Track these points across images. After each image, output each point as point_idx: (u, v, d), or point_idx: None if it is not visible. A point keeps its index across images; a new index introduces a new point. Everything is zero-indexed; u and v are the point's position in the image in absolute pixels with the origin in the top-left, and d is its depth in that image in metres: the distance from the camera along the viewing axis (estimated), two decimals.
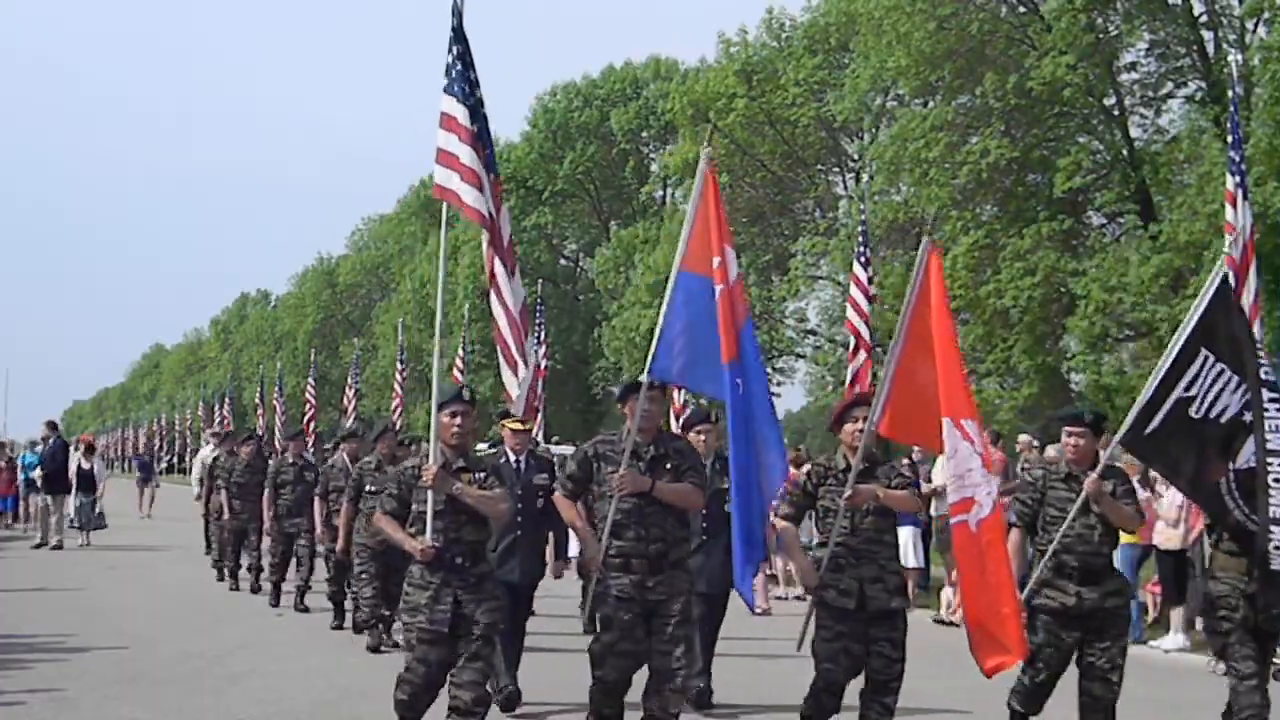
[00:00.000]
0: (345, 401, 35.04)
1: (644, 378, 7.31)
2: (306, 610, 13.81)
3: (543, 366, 23.78)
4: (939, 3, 24.87)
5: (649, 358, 7.38)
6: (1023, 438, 17.76)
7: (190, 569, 18.48)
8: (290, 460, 14.84)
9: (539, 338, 24.35)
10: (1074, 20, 23.11)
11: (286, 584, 14.58)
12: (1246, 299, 12.99)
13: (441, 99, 7.43)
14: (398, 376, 31.57)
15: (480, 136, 7.44)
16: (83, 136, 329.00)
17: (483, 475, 7.11)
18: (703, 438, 9.86)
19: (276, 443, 21.40)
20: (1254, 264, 12.98)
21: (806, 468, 7.91)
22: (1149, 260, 22.15)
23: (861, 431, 7.29)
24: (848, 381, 17.23)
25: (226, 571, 16.58)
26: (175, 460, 69.37)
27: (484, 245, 7.60)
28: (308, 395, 36.08)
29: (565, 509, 7.53)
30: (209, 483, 18.13)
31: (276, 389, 42.26)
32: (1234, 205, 13.09)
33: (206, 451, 21.55)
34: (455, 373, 29.27)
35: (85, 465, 22.03)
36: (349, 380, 35.50)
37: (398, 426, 18.94)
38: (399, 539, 7.10)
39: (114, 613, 13.57)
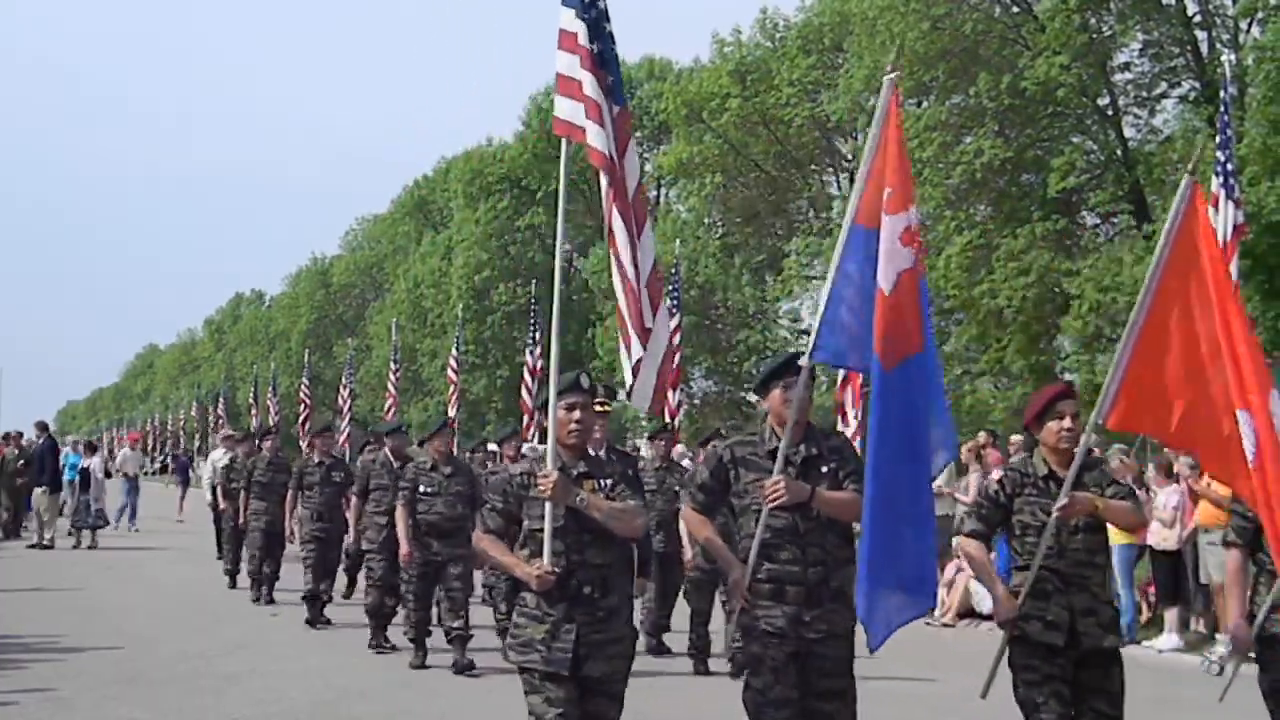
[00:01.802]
0: (340, 401, 35.03)
1: (802, 361, 5.88)
2: (328, 624, 12.93)
3: (538, 367, 23.83)
4: (933, 3, 24.90)
5: (812, 333, 5.97)
6: (1015, 438, 17.81)
7: (189, 569, 18.48)
8: (316, 459, 13.72)
9: (533, 337, 24.39)
10: (1067, 20, 23.15)
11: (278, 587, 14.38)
12: None
13: (560, 12, 6.18)
14: (391, 377, 31.57)
15: (602, 60, 6.14)
16: (80, 137, 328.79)
17: (610, 482, 5.68)
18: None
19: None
20: (1235, 264, 13.05)
21: (997, 474, 6.70)
22: (1143, 260, 22.17)
23: (1068, 431, 6.07)
24: (839, 382, 17.30)
25: (251, 580, 15.28)
26: (168, 461, 69.23)
27: (603, 193, 6.02)
28: (302, 395, 36.10)
29: (696, 526, 6.12)
30: (226, 485, 17.12)
31: (270, 389, 42.28)
32: (1216, 207, 13.15)
33: (218, 454, 20.77)
34: (449, 373, 29.34)
35: (85, 465, 22.03)
36: (343, 380, 35.50)
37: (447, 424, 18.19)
38: (507, 564, 5.69)
39: (111, 613, 13.57)
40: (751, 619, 5.76)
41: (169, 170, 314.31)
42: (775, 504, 5.63)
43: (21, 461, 21.78)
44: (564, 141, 6.20)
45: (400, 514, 10.70)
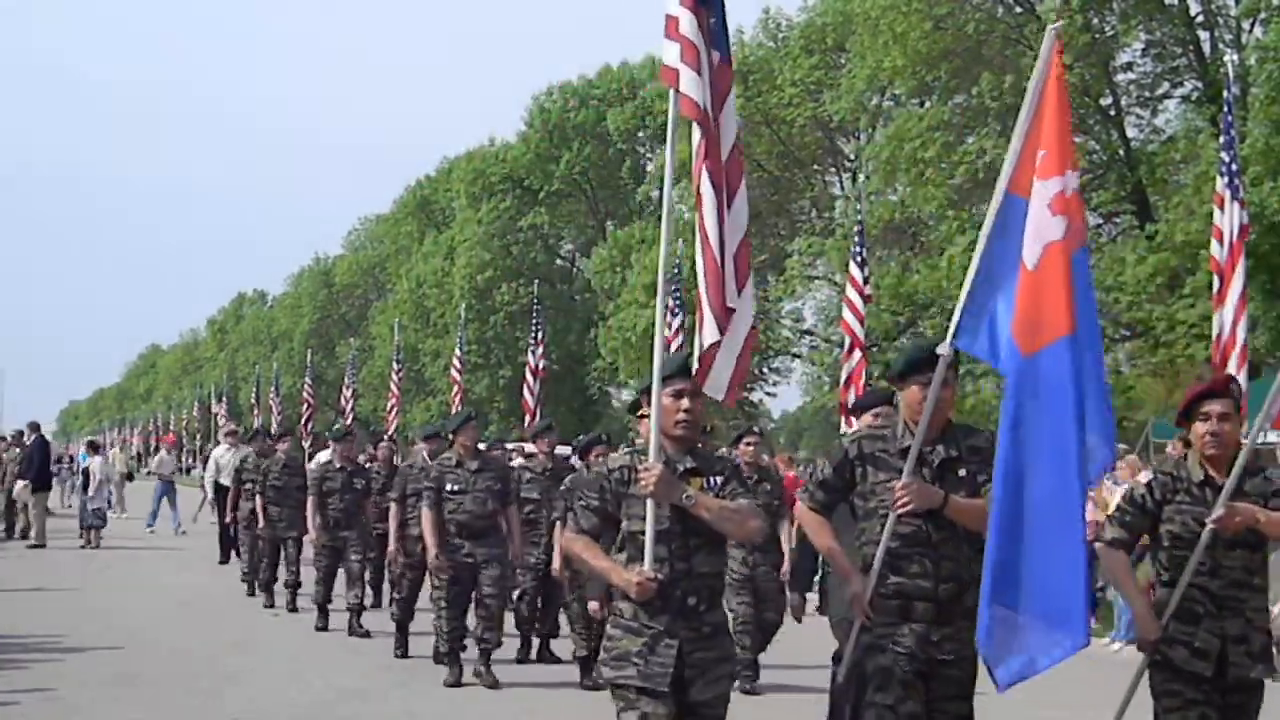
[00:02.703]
0: (342, 401, 35.02)
1: (942, 349, 5.15)
2: (367, 635, 12.19)
3: (541, 367, 23.80)
4: (935, 3, 24.90)
5: (953, 319, 5.20)
6: None
7: (188, 569, 18.45)
8: (337, 465, 13.09)
9: (536, 337, 24.35)
10: (1070, 20, 23.12)
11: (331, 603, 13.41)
12: (1232, 299, 13.05)
13: None
14: (394, 377, 31.55)
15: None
16: (81, 136, 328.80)
17: (720, 479, 5.01)
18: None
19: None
20: (1242, 264, 13.01)
21: (1145, 476, 5.89)
22: (1145, 260, 22.17)
23: (1212, 436, 5.33)
24: (842, 382, 17.23)
25: (258, 586, 15.08)
26: (130, 461, 69.19)
27: (694, 151, 5.16)
28: (305, 395, 36.10)
29: (815, 528, 5.44)
30: (235, 486, 16.51)
31: (273, 389, 42.28)
32: (1222, 208, 13.12)
33: (221, 451, 20.43)
34: (452, 373, 29.31)
35: (86, 464, 22.03)
36: (345, 380, 35.49)
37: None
38: (601, 569, 5.02)
39: (111, 613, 13.54)
40: (874, 638, 5.16)
41: (170, 170, 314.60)
42: (905, 509, 5.04)
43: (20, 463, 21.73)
44: (671, 92, 5.27)
45: (426, 517, 9.92)
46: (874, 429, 5.56)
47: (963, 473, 5.18)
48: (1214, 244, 13.44)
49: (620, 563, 4.96)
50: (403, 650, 11.11)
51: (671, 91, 5.22)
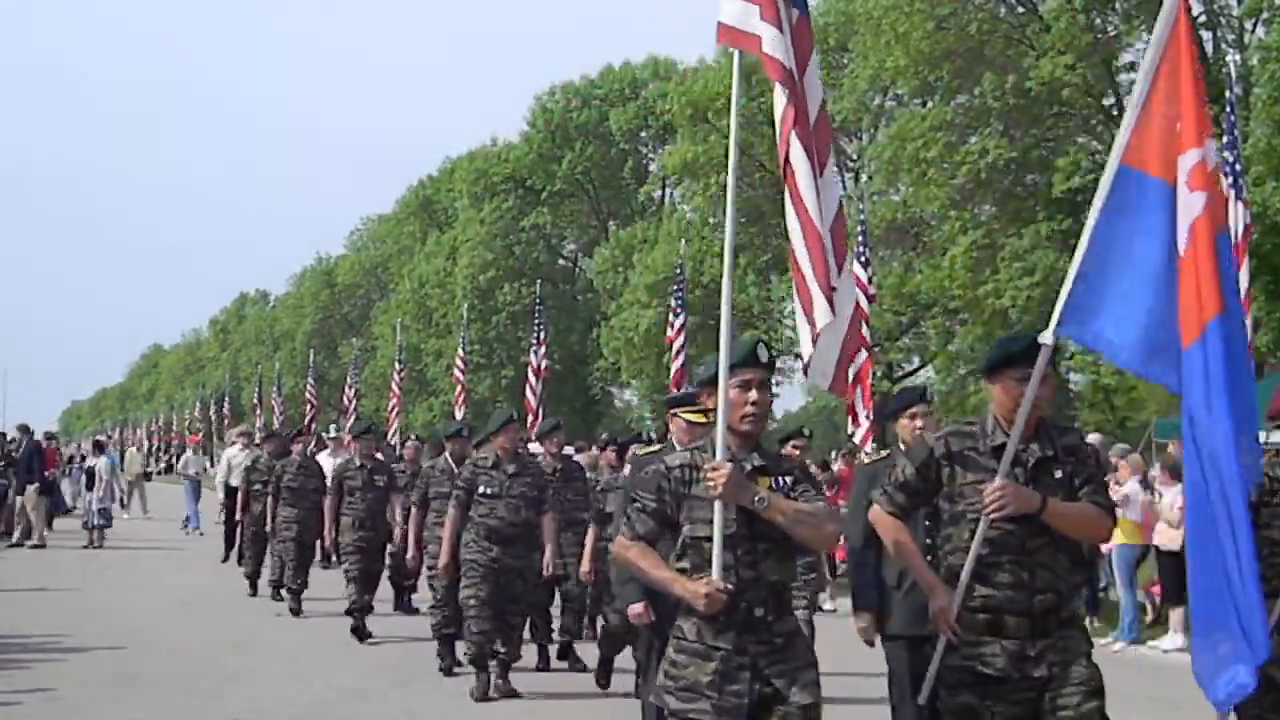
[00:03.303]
0: (345, 401, 35.07)
1: (1045, 337, 4.78)
2: (369, 636, 11.95)
3: (543, 367, 23.81)
4: (937, 3, 24.88)
5: (1058, 305, 4.87)
6: None
7: (188, 569, 18.46)
8: (358, 462, 12.68)
9: (538, 337, 24.36)
10: (1073, 20, 23.11)
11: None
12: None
13: None
14: (396, 377, 31.58)
15: None
16: (82, 136, 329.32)
17: (790, 479, 4.58)
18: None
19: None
20: (1245, 265, 13.01)
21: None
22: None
23: None
24: (849, 382, 17.21)
25: (273, 588, 14.66)
26: (174, 461, 69.33)
27: (778, 117, 4.61)
28: (308, 395, 36.14)
29: (892, 532, 5.02)
30: (246, 487, 16.15)
31: (275, 389, 42.32)
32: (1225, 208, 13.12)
33: (233, 452, 20.17)
34: (455, 373, 29.35)
35: (93, 464, 22.01)
36: (348, 380, 35.55)
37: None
38: (661, 579, 4.51)
39: (112, 613, 13.55)
40: (960, 659, 4.71)
41: (171, 170, 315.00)
42: (998, 513, 4.61)
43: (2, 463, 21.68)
44: (735, 56, 4.73)
45: (450, 518, 9.42)
46: (962, 425, 5.00)
47: (1059, 474, 4.78)
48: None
49: (681, 572, 4.48)
50: (449, 664, 10.30)
51: (735, 56, 4.72)
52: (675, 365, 20.15)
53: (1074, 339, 4.94)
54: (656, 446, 7.15)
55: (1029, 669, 4.60)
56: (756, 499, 4.37)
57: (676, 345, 20.12)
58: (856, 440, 16.51)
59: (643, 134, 45.11)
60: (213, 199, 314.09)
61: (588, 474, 11.63)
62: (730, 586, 4.34)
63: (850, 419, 17.06)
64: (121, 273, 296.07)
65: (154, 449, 65.41)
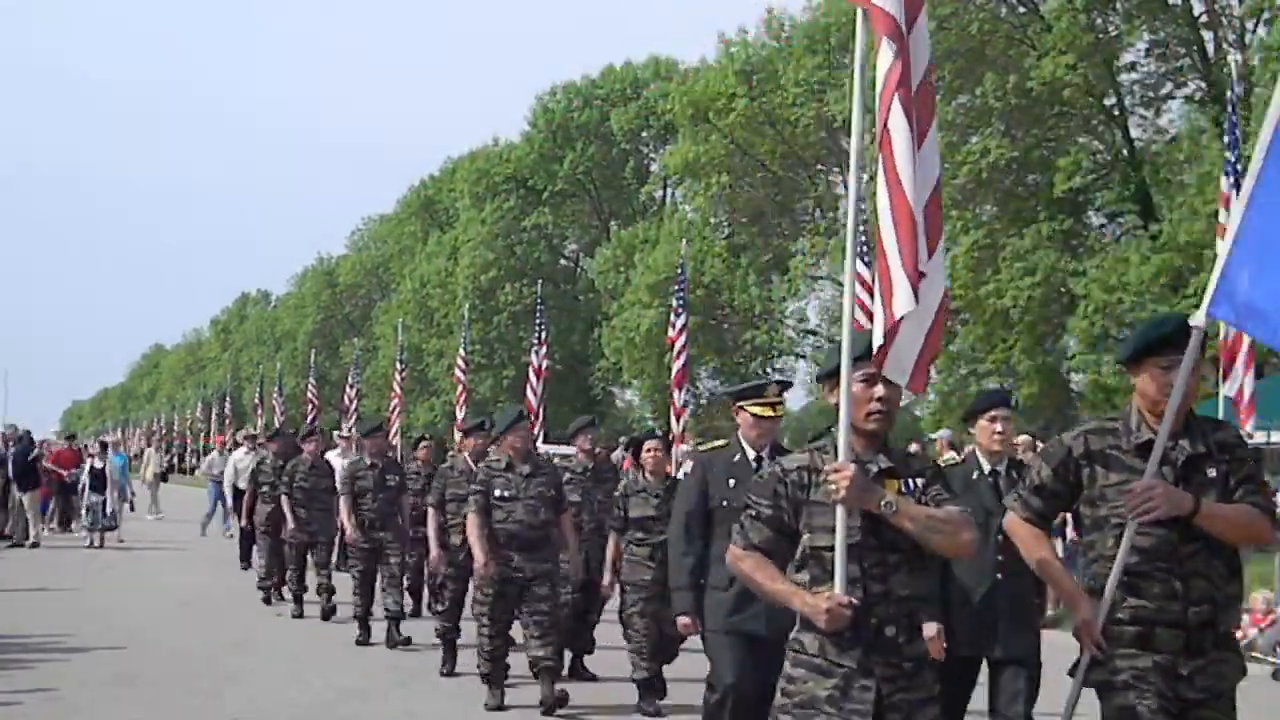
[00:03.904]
0: (346, 402, 35.03)
1: (1195, 319, 4.33)
2: (408, 642, 11.55)
3: (544, 367, 23.79)
4: (939, 2, 24.87)
5: (1209, 286, 4.37)
6: (1022, 438, 17.72)
7: (189, 570, 18.46)
8: (368, 462, 12.22)
9: (539, 337, 24.34)
10: (1074, 20, 23.12)
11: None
12: None
13: None
14: (397, 377, 31.57)
15: None
16: (83, 137, 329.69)
17: (922, 481, 4.18)
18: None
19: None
20: None
21: None
22: (1149, 260, 22.16)
23: None
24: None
25: (288, 594, 14.25)
26: (175, 461, 69.34)
27: (881, 75, 4.21)
28: (309, 395, 36.11)
29: (1030, 543, 4.60)
30: (252, 489, 15.93)
31: (276, 389, 42.28)
32: (1227, 207, 13.13)
33: (240, 454, 19.97)
34: (456, 373, 29.33)
35: (99, 464, 21.97)
36: (349, 380, 35.49)
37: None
38: (779, 593, 4.13)
39: (113, 613, 13.54)
40: (1107, 673, 4.32)
41: (171, 170, 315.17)
42: (1147, 517, 4.20)
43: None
44: (859, 13, 4.32)
45: (472, 522, 8.92)
46: (1102, 421, 4.56)
47: (1212, 472, 4.33)
48: (1219, 244, 13.42)
49: (802, 585, 4.10)
50: (450, 668, 10.22)
51: (859, 13, 4.30)
52: (676, 365, 20.12)
53: (1226, 321, 4.66)
54: (720, 443, 6.84)
55: (1181, 689, 4.21)
56: (884, 504, 3.96)
57: (678, 345, 20.09)
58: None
59: (644, 134, 45.15)
60: (213, 199, 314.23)
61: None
62: (855, 601, 3.95)
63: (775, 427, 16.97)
64: (122, 273, 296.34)
65: (156, 449, 65.31)
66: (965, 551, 4.16)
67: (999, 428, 6.16)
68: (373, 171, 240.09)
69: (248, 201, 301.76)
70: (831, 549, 3.98)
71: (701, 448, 6.92)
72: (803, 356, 36.74)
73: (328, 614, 13.31)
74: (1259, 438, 15.13)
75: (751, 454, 6.39)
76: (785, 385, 6.62)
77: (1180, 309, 21.25)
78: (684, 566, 6.45)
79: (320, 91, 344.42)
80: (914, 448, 16.15)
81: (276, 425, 28.99)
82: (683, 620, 6.54)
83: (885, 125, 4.15)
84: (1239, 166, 13.42)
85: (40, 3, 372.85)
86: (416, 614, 13.37)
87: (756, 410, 6.39)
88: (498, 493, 8.86)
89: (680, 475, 9.99)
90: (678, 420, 19.54)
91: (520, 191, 45.94)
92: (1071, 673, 4.44)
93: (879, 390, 4.12)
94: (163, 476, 33.22)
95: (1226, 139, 13.79)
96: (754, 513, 4.19)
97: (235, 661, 10.71)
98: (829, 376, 4.27)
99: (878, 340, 4.15)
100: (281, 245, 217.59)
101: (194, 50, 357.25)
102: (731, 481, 6.31)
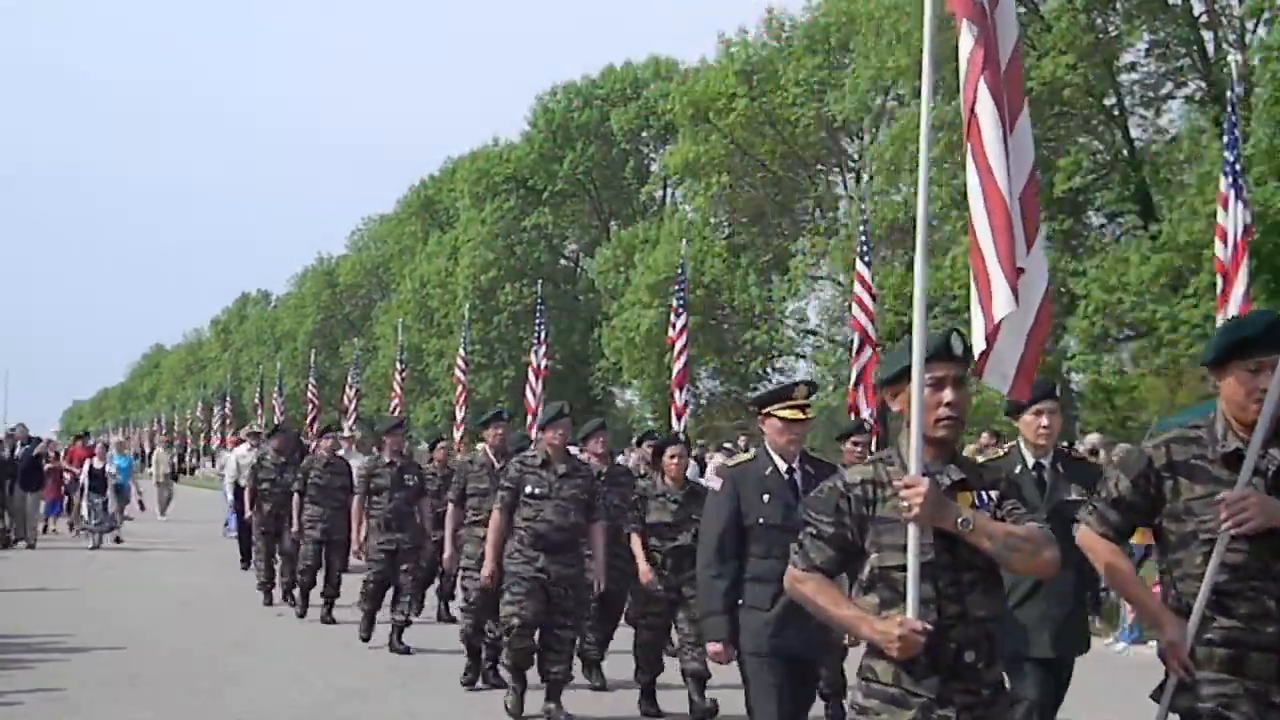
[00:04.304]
0: (345, 401, 35.07)
1: None
2: (407, 652, 11.14)
3: (543, 366, 23.79)
4: (939, 2, 24.89)
5: None
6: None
7: (188, 570, 18.45)
8: (386, 460, 11.78)
9: (539, 337, 24.33)
10: (1074, 20, 23.12)
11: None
12: (1236, 299, 13.05)
13: None
14: (397, 377, 31.59)
15: None
16: (80, 137, 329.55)
17: (996, 495, 3.86)
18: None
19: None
20: (1245, 264, 13.01)
21: None
22: (1149, 260, 22.16)
23: None
24: (852, 380, 17.18)
25: (302, 594, 13.64)
26: (175, 461, 69.37)
27: (964, 58, 4.03)
28: (309, 395, 36.13)
29: (1103, 557, 4.27)
30: (252, 485, 15.48)
31: (276, 389, 42.31)
32: (1225, 207, 13.14)
33: (242, 451, 19.65)
34: (456, 373, 29.36)
35: (100, 465, 21.95)
36: (349, 380, 35.54)
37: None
38: (846, 618, 3.82)
39: (113, 613, 13.54)
40: (1193, 699, 4.00)
41: (170, 170, 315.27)
42: (1241, 529, 3.87)
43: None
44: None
45: (494, 522, 8.55)
46: (1185, 430, 4.23)
47: None
48: (1217, 244, 13.46)
49: (870, 609, 3.78)
50: (472, 677, 9.74)
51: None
52: (677, 366, 20.13)
53: None
54: (747, 456, 6.50)
55: (1275, 718, 3.88)
56: (960, 521, 3.65)
57: (678, 345, 20.11)
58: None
59: (644, 134, 45.16)
60: (213, 199, 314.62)
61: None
62: (930, 626, 3.64)
63: (853, 417, 16.95)
64: (122, 273, 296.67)
65: (146, 450, 65.33)
66: (1046, 571, 3.84)
67: (1044, 421, 5.91)
68: (373, 171, 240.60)
69: (248, 201, 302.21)
70: (902, 569, 3.69)
71: (729, 462, 6.62)
72: (803, 356, 36.74)
73: (328, 621, 12.96)
74: None
75: (783, 466, 6.04)
76: (812, 386, 6.29)
77: (1180, 309, 21.27)
78: (717, 589, 5.95)
79: (320, 91, 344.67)
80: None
81: (290, 423, 28.99)
82: (714, 648, 6.03)
83: (972, 110, 3.85)
84: (1238, 166, 13.44)
85: (40, 3, 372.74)
86: (442, 619, 13.01)
87: (786, 414, 6.06)
88: (528, 489, 8.44)
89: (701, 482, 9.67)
90: (678, 420, 19.56)
91: (520, 191, 45.95)
92: (1155, 697, 4.16)
93: (948, 395, 3.79)
94: (174, 476, 32.95)
95: (1226, 139, 13.79)
96: (814, 530, 3.87)
97: (236, 661, 10.71)
98: (893, 381, 3.95)
99: (979, 345, 3.85)
100: (281, 245, 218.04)
101: (194, 50, 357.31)
102: (765, 497, 5.96)
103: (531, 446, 9.39)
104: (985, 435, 17.27)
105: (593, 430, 10.33)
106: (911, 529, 3.64)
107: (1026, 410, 5.92)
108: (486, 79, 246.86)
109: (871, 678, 3.77)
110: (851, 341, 17.57)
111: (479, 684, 9.69)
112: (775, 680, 5.78)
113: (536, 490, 8.41)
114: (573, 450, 9.15)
